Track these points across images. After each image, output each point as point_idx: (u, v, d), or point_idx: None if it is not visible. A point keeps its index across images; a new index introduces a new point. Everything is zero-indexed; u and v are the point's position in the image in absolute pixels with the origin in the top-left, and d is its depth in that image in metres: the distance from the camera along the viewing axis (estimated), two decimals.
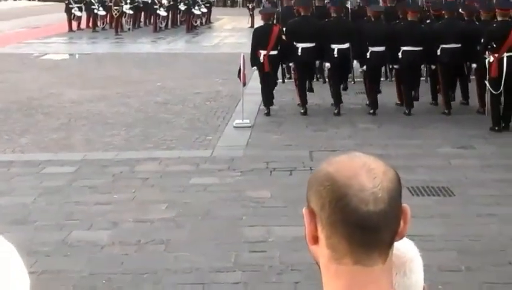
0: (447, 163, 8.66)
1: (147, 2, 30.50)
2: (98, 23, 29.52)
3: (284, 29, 12.25)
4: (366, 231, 1.29)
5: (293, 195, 7.27)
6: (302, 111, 11.69)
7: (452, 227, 6.48)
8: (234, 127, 10.80)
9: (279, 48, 11.64)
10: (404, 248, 1.89)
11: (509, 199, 7.25)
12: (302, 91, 11.87)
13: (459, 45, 11.29)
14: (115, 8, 28.48)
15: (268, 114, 11.67)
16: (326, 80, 12.23)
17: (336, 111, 11.63)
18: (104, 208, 7.08)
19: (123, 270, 5.61)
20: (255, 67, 11.92)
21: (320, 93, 12.51)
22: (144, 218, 6.80)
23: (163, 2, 29.81)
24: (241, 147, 9.59)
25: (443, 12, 12.14)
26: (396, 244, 1.70)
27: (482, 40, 10.51)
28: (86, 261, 5.80)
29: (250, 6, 32.95)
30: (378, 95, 11.80)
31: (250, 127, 10.73)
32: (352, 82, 12.10)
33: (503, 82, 10.20)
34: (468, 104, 12.09)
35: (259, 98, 12.71)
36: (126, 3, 28.94)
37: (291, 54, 11.67)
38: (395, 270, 1.79)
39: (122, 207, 7.12)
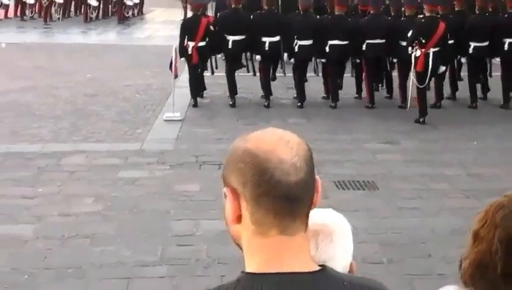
0: (372, 157, 8.86)
1: None
2: (26, 12, 28.72)
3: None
4: (290, 200, 1.33)
5: (221, 188, 7.30)
6: (231, 103, 11.75)
7: (376, 220, 6.64)
8: (164, 120, 10.74)
9: (207, 39, 11.64)
10: (335, 220, 1.95)
11: (430, 193, 7.48)
12: (232, 82, 11.94)
13: (383, 40, 11.56)
14: None
15: (195, 105, 11.68)
16: (257, 72, 12.28)
17: (265, 103, 11.75)
18: (28, 202, 6.94)
19: (46, 265, 5.52)
20: (183, 58, 11.92)
21: (251, 87, 12.56)
22: (69, 212, 6.69)
23: None
24: (171, 141, 9.55)
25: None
26: (326, 215, 1.77)
27: (408, 34, 10.78)
28: (8, 256, 5.67)
29: None
30: (307, 89, 12.01)
31: (180, 120, 10.69)
32: (283, 75, 12.22)
33: (428, 76, 10.55)
34: (392, 98, 12.39)
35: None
36: None
37: (221, 45, 11.71)
38: (322, 237, 1.85)
39: (47, 201, 6.99)
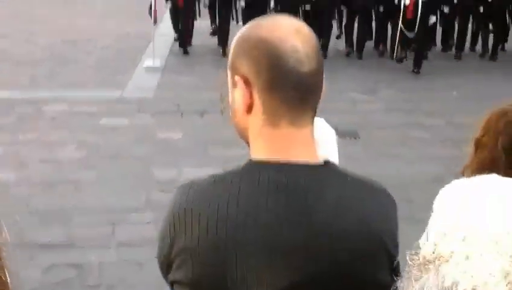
0: (353, 107, 8.91)
1: None
2: None
3: None
4: (303, 91, 1.32)
5: (204, 136, 7.35)
6: (221, 51, 11.72)
7: (357, 167, 6.69)
8: (144, 68, 10.65)
9: None
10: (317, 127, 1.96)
11: (411, 141, 7.57)
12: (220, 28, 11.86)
13: None
14: None
15: (186, 52, 11.57)
16: (239, 21, 12.16)
17: None
18: (9, 149, 6.90)
19: (30, 210, 5.53)
20: (168, 3, 11.78)
21: (233, 35, 12.48)
22: (52, 158, 6.68)
23: None
24: (152, 89, 9.49)
25: None
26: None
27: None
28: None
29: None
30: None
31: (160, 68, 10.61)
32: None
33: (417, 24, 10.56)
34: (379, 49, 12.37)
35: (170, 39, 12.59)
36: None
37: None
38: None
39: (29, 147, 6.96)
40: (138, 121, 7.99)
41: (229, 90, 1.37)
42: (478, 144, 1.88)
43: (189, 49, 11.80)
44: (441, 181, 1.95)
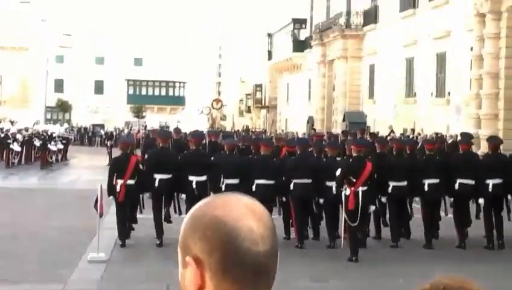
0: None
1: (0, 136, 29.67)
2: None
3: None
4: (258, 272, 1.29)
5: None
6: (158, 242, 11.60)
7: None
8: (89, 261, 10.43)
9: (136, 177, 11.67)
10: None
11: None
12: (158, 222, 11.83)
13: (311, 180, 11.82)
14: None
15: (123, 245, 11.42)
16: (183, 213, 12.27)
17: None
18: None
19: None
20: (111, 197, 11.85)
21: (177, 226, 12.49)
22: None
23: (17, 136, 29.14)
24: (95, 281, 9.24)
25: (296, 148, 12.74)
26: None
27: (336, 174, 11.04)
28: None
29: (108, 144, 32.98)
30: None
31: (105, 261, 10.41)
32: None
33: (359, 214, 10.70)
34: (319, 240, 12.47)
35: (115, 232, 12.48)
36: None
37: (149, 184, 11.76)
38: None
39: None
40: None
41: (179, 270, 1.33)
42: None
43: (133, 241, 11.69)
44: None
